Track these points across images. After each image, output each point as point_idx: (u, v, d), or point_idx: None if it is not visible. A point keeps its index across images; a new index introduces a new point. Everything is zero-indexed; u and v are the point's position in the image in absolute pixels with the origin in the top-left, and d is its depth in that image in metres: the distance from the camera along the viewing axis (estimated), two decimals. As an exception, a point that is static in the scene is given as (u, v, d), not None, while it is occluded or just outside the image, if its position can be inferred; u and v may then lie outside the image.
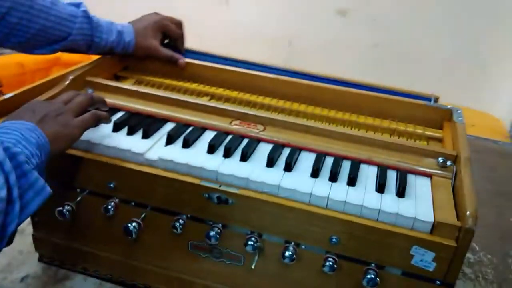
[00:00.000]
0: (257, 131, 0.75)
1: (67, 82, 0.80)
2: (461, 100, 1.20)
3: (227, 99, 0.87)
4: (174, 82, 0.91)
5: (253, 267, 0.67)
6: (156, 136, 0.73)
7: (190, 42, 0.99)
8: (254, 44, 1.91)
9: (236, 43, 1.93)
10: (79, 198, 0.70)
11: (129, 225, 0.68)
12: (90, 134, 0.69)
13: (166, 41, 0.96)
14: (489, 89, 1.80)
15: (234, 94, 0.88)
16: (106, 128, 0.72)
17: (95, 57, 0.89)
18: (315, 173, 0.66)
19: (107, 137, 0.71)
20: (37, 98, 0.64)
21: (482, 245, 0.93)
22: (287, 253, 0.64)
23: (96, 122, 0.66)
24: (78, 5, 0.81)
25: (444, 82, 1.75)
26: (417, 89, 0.89)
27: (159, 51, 0.90)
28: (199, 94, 0.88)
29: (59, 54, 0.83)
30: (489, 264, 0.89)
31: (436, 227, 0.59)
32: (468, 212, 0.57)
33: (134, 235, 0.68)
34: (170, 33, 0.94)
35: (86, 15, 0.80)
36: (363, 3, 1.82)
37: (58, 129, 0.59)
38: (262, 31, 1.93)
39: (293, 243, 0.65)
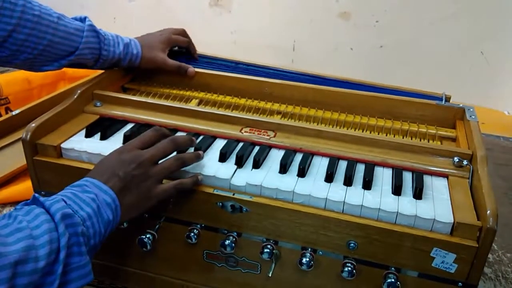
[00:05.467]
0: (268, 137, 0.74)
1: (75, 96, 0.80)
2: (469, 98, 1.18)
3: (236, 107, 0.86)
4: (182, 92, 0.90)
5: (270, 275, 0.66)
6: (167, 146, 0.72)
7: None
8: (258, 50, 1.91)
9: (240, 50, 1.93)
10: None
11: (144, 237, 0.67)
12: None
13: (175, 48, 0.97)
14: (498, 86, 1.78)
15: (243, 101, 0.88)
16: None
17: (100, 71, 0.89)
18: (329, 178, 0.65)
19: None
20: (129, 144, 0.62)
21: (500, 244, 0.91)
22: (304, 260, 0.63)
23: (178, 192, 0.63)
24: (83, 20, 0.81)
25: (452, 81, 1.73)
26: (425, 89, 0.88)
27: (167, 63, 0.90)
28: (207, 103, 0.88)
29: (64, 68, 0.83)
30: (509, 263, 0.88)
31: (456, 228, 0.58)
32: (488, 211, 0.56)
33: (148, 247, 0.67)
34: (179, 44, 0.95)
35: (93, 29, 0.80)
36: (364, 6, 1.82)
37: (136, 200, 0.59)
38: (265, 37, 1.93)
39: (310, 249, 0.64)
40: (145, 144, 0.63)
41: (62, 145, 0.71)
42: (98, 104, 0.82)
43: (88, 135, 0.74)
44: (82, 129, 0.75)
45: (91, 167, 0.68)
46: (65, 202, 0.52)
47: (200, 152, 0.67)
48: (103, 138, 0.74)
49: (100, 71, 0.88)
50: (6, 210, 0.96)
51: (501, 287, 0.83)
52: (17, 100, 1.21)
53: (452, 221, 0.58)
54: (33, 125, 0.71)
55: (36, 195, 0.52)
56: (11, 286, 0.43)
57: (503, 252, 0.90)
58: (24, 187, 0.98)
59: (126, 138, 0.72)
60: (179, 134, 0.76)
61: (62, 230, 0.48)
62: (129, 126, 0.77)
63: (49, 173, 0.71)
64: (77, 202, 0.53)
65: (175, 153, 0.66)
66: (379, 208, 0.60)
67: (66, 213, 0.50)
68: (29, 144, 0.70)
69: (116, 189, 0.57)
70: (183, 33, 0.98)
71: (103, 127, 0.75)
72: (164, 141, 0.64)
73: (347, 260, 0.62)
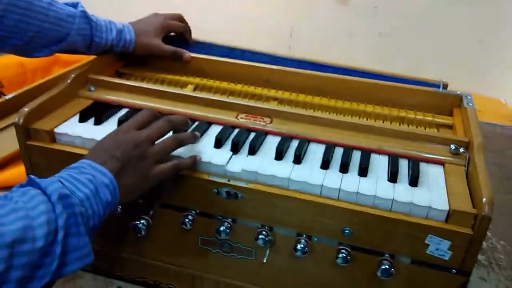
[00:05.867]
0: (264, 124, 0.73)
1: (69, 81, 0.78)
2: (467, 86, 1.18)
3: (232, 93, 0.85)
4: (177, 77, 0.89)
5: (264, 261, 0.67)
6: (162, 132, 0.71)
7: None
8: (256, 36, 1.90)
9: (237, 35, 1.91)
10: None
11: (138, 222, 0.67)
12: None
13: (172, 34, 0.96)
14: (495, 74, 1.78)
15: (239, 87, 0.87)
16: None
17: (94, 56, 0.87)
18: (325, 165, 0.65)
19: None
20: (125, 125, 0.61)
21: (494, 231, 0.92)
22: (299, 246, 0.63)
23: (177, 172, 0.63)
24: (75, 5, 0.79)
25: (449, 69, 1.73)
26: (423, 77, 0.88)
27: (162, 48, 0.88)
28: (203, 88, 0.87)
29: (58, 53, 0.82)
30: (502, 250, 0.88)
31: (451, 215, 0.58)
32: (484, 199, 0.56)
33: (143, 233, 0.67)
34: (174, 29, 0.94)
35: (85, 15, 0.78)
36: (363, -9, 1.80)
37: (135, 181, 0.58)
38: (263, 23, 1.91)
39: (305, 236, 0.64)
40: (140, 125, 0.62)
41: (55, 130, 0.70)
42: (92, 88, 0.81)
43: (82, 120, 0.73)
44: (76, 114, 0.75)
45: (84, 152, 0.67)
46: (62, 183, 0.51)
47: (197, 133, 0.67)
48: (97, 123, 0.73)
49: (94, 56, 0.86)
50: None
51: (494, 273, 0.83)
52: (11, 84, 1.20)
53: (448, 208, 0.58)
54: (26, 109, 0.70)
55: (32, 176, 0.51)
56: (8, 265, 0.42)
57: (496, 239, 0.91)
58: (18, 172, 0.98)
59: (120, 123, 0.71)
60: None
61: (60, 211, 0.47)
62: (123, 111, 0.76)
63: (42, 158, 0.70)
64: (74, 183, 0.52)
65: (170, 133, 0.65)
66: (375, 195, 0.60)
67: (63, 194, 0.49)
68: (22, 129, 0.69)
69: (113, 171, 0.56)
70: (180, 18, 0.96)
71: (97, 112, 0.74)
72: (159, 121, 0.64)
73: (341, 247, 0.62)
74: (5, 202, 0.46)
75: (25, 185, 0.50)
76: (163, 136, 0.63)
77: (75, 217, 0.49)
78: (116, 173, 0.56)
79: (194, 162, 0.64)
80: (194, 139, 0.66)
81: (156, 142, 0.62)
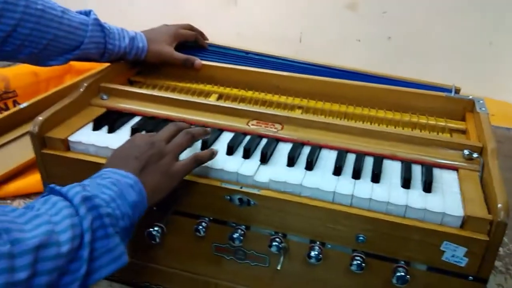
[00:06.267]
0: (275, 130, 0.74)
1: (82, 90, 0.79)
2: (479, 90, 1.17)
3: (243, 99, 0.86)
4: (188, 85, 0.90)
5: (278, 268, 0.66)
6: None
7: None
8: (265, 42, 1.90)
9: (246, 41, 1.91)
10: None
11: (152, 229, 0.67)
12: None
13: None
14: (507, 77, 1.76)
15: (250, 94, 0.87)
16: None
17: (107, 64, 0.88)
18: (337, 171, 0.65)
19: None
20: (138, 135, 0.62)
21: (510, 237, 0.91)
22: (312, 253, 0.63)
23: (198, 165, 0.64)
24: (88, 13, 0.80)
25: (460, 73, 1.71)
26: (433, 81, 0.87)
27: (173, 56, 0.89)
28: (214, 95, 0.87)
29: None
30: (518, 257, 0.87)
31: (466, 221, 0.57)
32: (499, 205, 0.56)
33: (157, 240, 0.67)
34: (186, 38, 0.95)
35: (98, 23, 0.79)
36: (371, -4, 1.80)
37: (159, 178, 0.58)
38: (271, 29, 1.91)
39: (318, 243, 0.64)
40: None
41: (70, 138, 0.71)
42: (105, 97, 0.82)
43: (96, 128, 0.74)
44: (89, 122, 0.75)
45: (98, 160, 0.68)
46: (84, 188, 0.50)
47: (208, 128, 0.68)
48: (110, 131, 0.74)
49: (107, 64, 0.87)
50: (16, 203, 0.96)
51: None
52: (25, 93, 1.21)
53: (462, 214, 0.58)
54: (41, 118, 0.71)
55: (52, 185, 0.51)
56: (33, 272, 0.42)
57: (513, 245, 0.89)
58: (33, 180, 0.99)
59: (133, 131, 0.72)
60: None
61: (84, 213, 0.47)
62: (136, 119, 0.77)
63: (57, 166, 0.71)
64: (97, 187, 0.52)
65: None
66: (388, 202, 0.60)
67: (86, 196, 0.48)
68: (37, 137, 0.70)
69: (136, 172, 0.56)
70: (190, 27, 0.97)
71: (110, 120, 0.75)
72: (167, 125, 0.65)
73: (356, 254, 0.62)
74: (26, 211, 0.46)
75: (45, 195, 0.51)
76: (183, 149, 0.63)
77: (101, 219, 0.48)
78: (139, 173, 0.56)
79: (212, 155, 0.65)
80: (205, 135, 0.67)
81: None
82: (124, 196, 0.53)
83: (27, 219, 0.44)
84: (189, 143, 0.64)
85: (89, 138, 0.71)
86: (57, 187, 0.50)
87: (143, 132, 0.64)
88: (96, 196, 0.50)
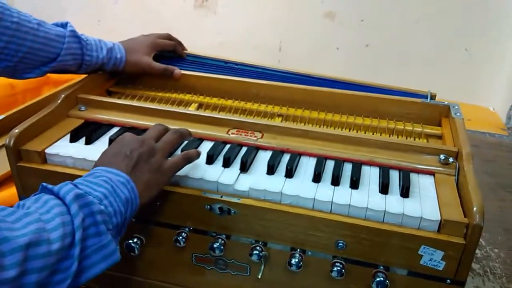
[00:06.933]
0: (255, 138, 0.74)
1: (59, 101, 0.78)
2: (455, 96, 1.20)
3: (223, 108, 0.86)
4: (168, 94, 0.90)
5: (259, 276, 0.66)
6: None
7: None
8: (245, 51, 1.91)
9: (226, 50, 1.93)
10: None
11: (131, 241, 0.66)
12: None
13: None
14: (482, 82, 1.80)
15: (229, 102, 0.87)
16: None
17: (85, 75, 0.87)
18: (317, 178, 0.65)
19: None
20: (127, 134, 0.62)
21: (487, 240, 0.92)
22: (293, 261, 0.63)
23: (187, 163, 0.65)
24: (64, 25, 0.80)
25: (437, 78, 1.75)
26: (410, 87, 0.89)
27: (152, 66, 0.89)
28: (194, 104, 0.87)
29: (48, 73, 0.82)
30: (496, 258, 0.89)
31: (443, 225, 0.58)
32: (474, 208, 0.57)
33: (136, 252, 0.67)
34: (164, 47, 0.95)
35: (74, 34, 0.79)
36: (349, 5, 1.83)
37: (151, 176, 0.58)
38: (251, 38, 1.93)
39: (299, 250, 0.64)
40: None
41: (47, 151, 0.70)
42: (83, 108, 0.81)
43: (73, 139, 0.73)
44: (67, 134, 0.74)
45: (76, 172, 0.67)
46: (76, 186, 0.50)
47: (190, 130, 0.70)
48: (88, 142, 0.73)
49: (85, 75, 0.86)
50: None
51: (490, 282, 0.83)
52: (1, 105, 1.19)
53: (439, 218, 0.59)
54: (16, 130, 0.70)
55: (44, 183, 0.50)
56: (23, 270, 0.41)
57: (490, 248, 0.91)
58: (9, 193, 0.97)
59: (111, 142, 0.71)
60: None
61: (75, 211, 0.46)
62: (114, 130, 0.76)
63: (34, 179, 0.70)
64: (89, 185, 0.51)
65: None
66: (367, 207, 0.60)
67: (78, 194, 0.48)
68: (12, 150, 0.69)
69: (127, 169, 0.56)
70: (168, 37, 0.97)
71: (88, 132, 0.74)
72: (155, 125, 0.67)
73: (336, 260, 0.63)
74: (16, 209, 0.46)
75: (38, 193, 0.50)
76: (173, 147, 0.65)
77: (93, 217, 0.48)
78: (131, 171, 0.56)
79: (199, 153, 0.67)
80: (191, 135, 0.69)
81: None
82: (117, 193, 0.53)
83: (16, 218, 0.44)
84: (178, 142, 0.66)
85: (66, 150, 0.70)
86: (49, 186, 0.50)
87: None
88: (89, 193, 0.50)
